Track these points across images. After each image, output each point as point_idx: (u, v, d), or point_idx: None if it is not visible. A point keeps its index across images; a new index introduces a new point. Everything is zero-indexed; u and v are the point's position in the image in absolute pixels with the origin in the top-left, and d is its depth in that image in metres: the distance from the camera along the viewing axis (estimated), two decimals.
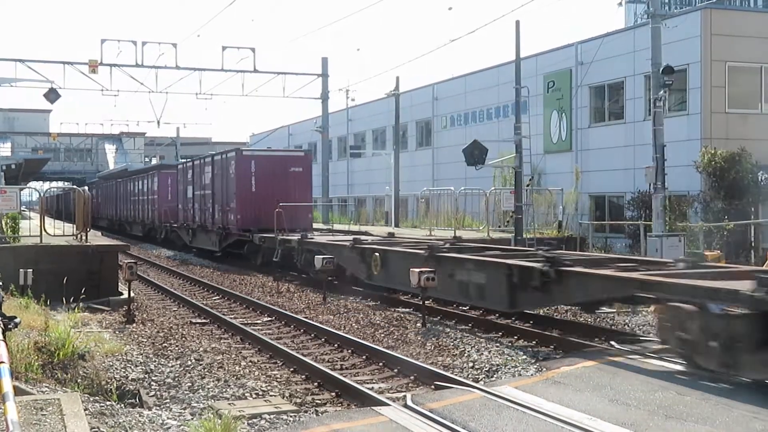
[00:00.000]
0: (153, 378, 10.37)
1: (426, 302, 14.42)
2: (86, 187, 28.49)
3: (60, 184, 74.28)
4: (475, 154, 27.27)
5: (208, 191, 30.61)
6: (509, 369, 10.69)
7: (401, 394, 9.50)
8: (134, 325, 14.72)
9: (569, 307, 14.82)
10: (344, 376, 10.45)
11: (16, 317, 6.25)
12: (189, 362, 11.33)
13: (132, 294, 16.40)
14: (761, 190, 24.75)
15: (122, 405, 8.82)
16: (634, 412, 8.07)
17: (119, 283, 17.97)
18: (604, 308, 14.66)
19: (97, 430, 7.44)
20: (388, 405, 8.67)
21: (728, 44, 27.26)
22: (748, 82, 27.89)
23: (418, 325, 14.05)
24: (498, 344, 12.24)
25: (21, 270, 15.17)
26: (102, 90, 35.03)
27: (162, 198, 38.66)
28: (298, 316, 15.51)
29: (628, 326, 13.91)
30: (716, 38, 27.21)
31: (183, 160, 39.97)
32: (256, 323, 15.48)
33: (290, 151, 38.75)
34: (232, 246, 28.66)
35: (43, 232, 18.61)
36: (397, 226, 35.46)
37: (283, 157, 29.07)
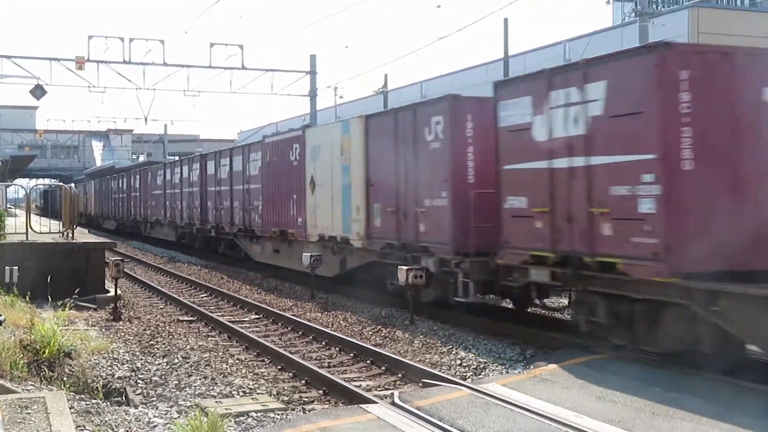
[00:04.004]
0: (139, 376, 10.32)
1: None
2: (73, 185, 28.37)
3: (47, 181, 73.88)
4: None
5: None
6: (497, 366, 10.69)
7: (389, 392, 9.49)
8: (121, 322, 14.64)
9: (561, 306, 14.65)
10: (332, 374, 10.43)
11: (0, 315, 6.21)
12: (176, 360, 11.28)
13: (119, 292, 16.33)
14: None
15: (108, 403, 8.78)
16: (621, 410, 8.09)
17: (106, 281, 17.87)
18: None
19: (82, 428, 7.40)
20: (376, 403, 8.67)
21: (715, 42, 27.34)
22: None
23: (406, 322, 14.03)
24: (486, 342, 12.20)
25: (6, 267, 15.08)
26: (89, 87, 34.77)
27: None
28: (286, 314, 15.46)
29: None
30: (703, 37, 27.27)
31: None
32: (244, 321, 15.43)
33: None
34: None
35: (29, 230, 18.50)
36: None
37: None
